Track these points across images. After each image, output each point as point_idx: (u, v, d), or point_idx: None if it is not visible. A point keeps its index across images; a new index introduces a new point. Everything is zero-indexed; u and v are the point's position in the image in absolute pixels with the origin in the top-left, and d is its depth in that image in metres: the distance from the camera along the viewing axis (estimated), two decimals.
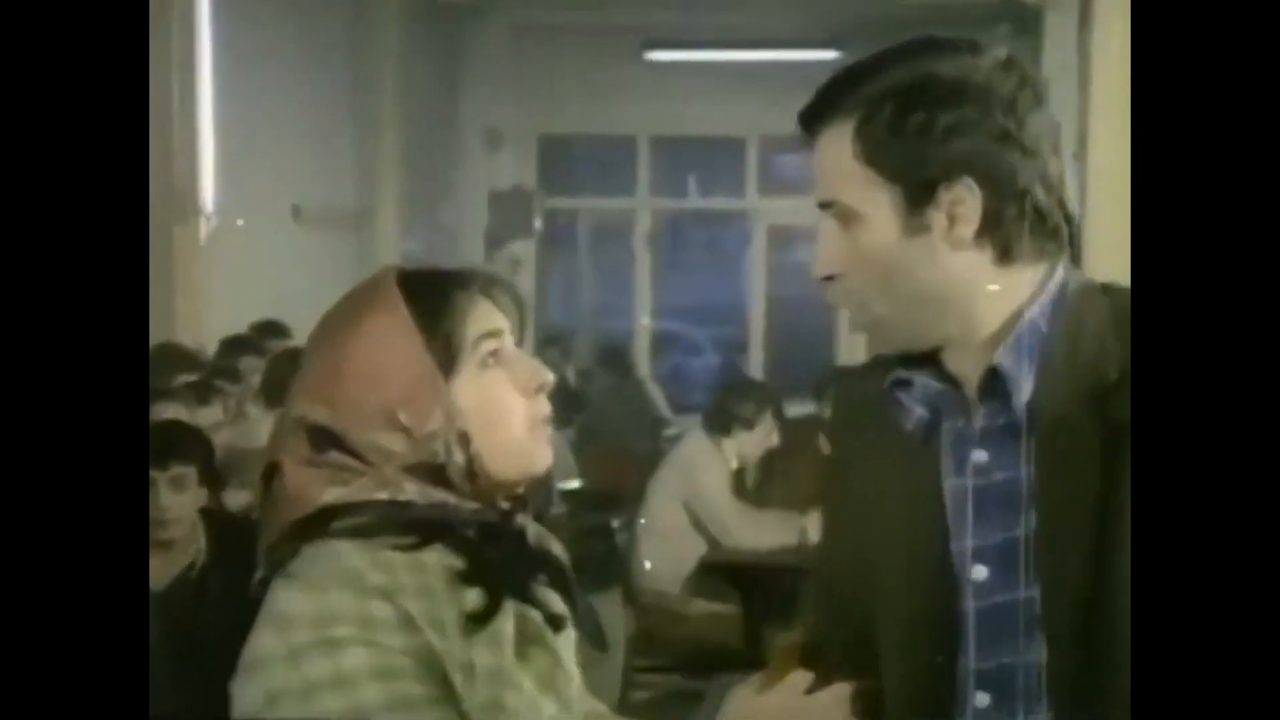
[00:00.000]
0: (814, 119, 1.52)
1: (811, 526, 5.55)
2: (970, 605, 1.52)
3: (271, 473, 1.55)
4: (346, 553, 1.47)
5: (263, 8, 7.04)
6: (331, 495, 1.51)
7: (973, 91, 1.46)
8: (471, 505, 1.55)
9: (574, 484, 6.12)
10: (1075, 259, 1.54)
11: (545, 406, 1.60)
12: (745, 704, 1.57)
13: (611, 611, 4.69)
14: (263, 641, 1.47)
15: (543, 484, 1.70)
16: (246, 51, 6.82)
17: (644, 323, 10.39)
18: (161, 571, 3.25)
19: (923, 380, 1.54)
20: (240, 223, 6.63)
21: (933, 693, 1.53)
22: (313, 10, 7.70)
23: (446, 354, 1.54)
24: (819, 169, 1.53)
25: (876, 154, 1.47)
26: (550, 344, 8.70)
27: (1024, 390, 1.48)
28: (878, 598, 1.58)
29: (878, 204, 1.48)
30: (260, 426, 5.41)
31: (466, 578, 1.49)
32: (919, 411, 1.54)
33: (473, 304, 1.57)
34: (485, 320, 1.57)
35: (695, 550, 5.68)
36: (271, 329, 6.20)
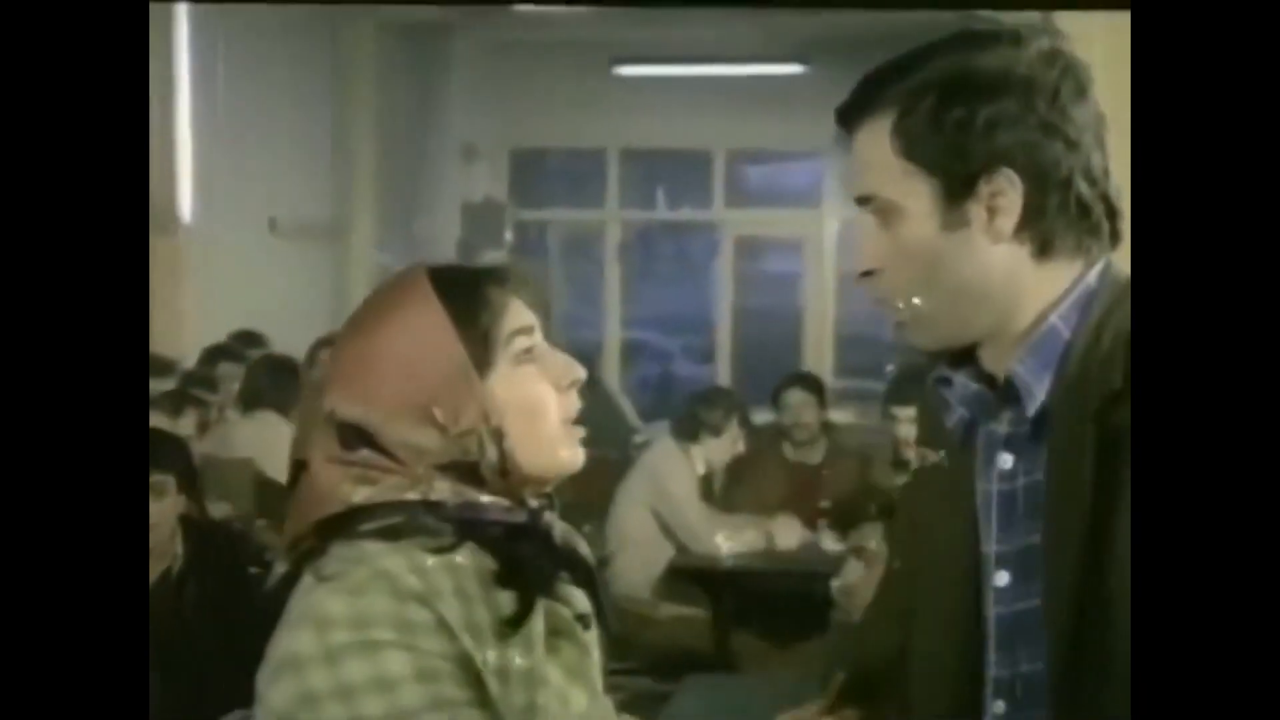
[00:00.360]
0: (852, 115, 1.50)
1: (777, 531, 5.63)
2: (992, 611, 1.50)
3: (297, 470, 1.52)
4: (381, 554, 1.44)
5: (240, 23, 7.09)
6: (361, 494, 1.48)
7: (1014, 83, 1.43)
8: (501, 504, 1.52)
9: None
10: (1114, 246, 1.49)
11: (576, 403, 1.57)
12: None
13: None
14: (298, 641, 1.43)
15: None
16: (224, 66, 6.88)
17: (614, 332, 10.43)
18: None
19: (961, 380, 1.52)
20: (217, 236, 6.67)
21: (956, 699, 1.52)
22: (290, 26, 7.72)
23: (483, 350, 1.51)
24: (856, 164, 1.50)
25: (916, 148, 1.45)
26: None
27: (1037, 396, 1.46)
28: (917, 601, 1.58)
29: (917, 198, 1.46)
30: (238, 434, 5.49)
31: (500, 579, 1.46)
32: (959, 410, 1.52)
33: (507, 300, 1.54)
34: (519, 316, 1.55)
35: (664, 555, 5.71)
36: (250, 339, 6.26)
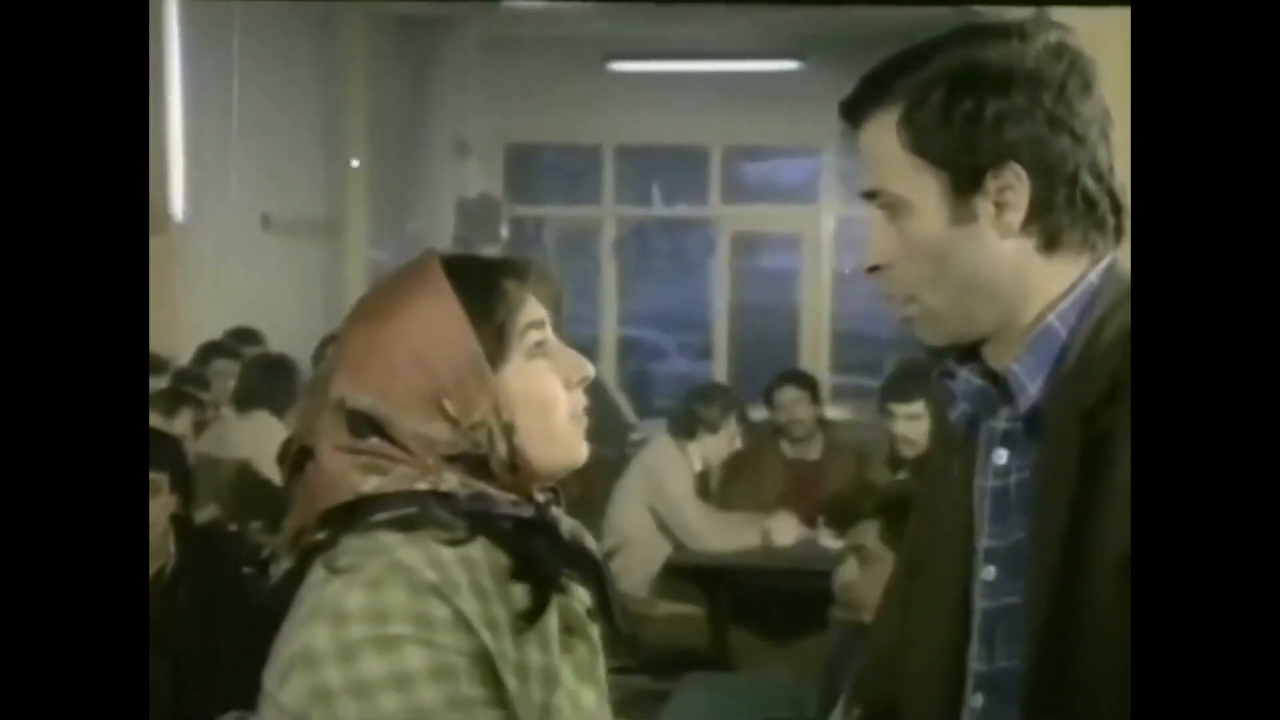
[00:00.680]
0: (857, 109, 1.50)
1: (774, 528, 5.65)
2: (978, 605, 1.51)
3: (301, 457, 1.49)
4: (397, 546, 1.41)
5: (232, 19, 7.08)
6: (371, 483, 1.45)
7: (1021, 77, 1.43)
8: (509, 497, 1.50)
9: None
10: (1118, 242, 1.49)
11: (583, 399, 1.56)
12: None
13: None
14: (312, 635, 1.40)
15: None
16: (216, 62, 6.86)
17: (610, 329, 10.43)
18: None
19: (965, 374, 1.52)
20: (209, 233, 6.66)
21: (940, 691, 1.53)
22: (282, 22, 7.73)
23: (497, 343, 1.50)
24: (863, 159, 1.50)
25: (924, 142, 1.45)
26: None
27: (1031, 394, 1.46)
28: (914, 593, 1.60)
29: (925, 192, 1.46)
30: (234, 434, 5.46)
31: (515, 574, 1.45)
32: (962, 405, 1.53)
33: (524, 294, 1.53)
34: (533, 310, 1.54)
35: (661, 552, 5.72)
36: (245, 335, 6.23)
